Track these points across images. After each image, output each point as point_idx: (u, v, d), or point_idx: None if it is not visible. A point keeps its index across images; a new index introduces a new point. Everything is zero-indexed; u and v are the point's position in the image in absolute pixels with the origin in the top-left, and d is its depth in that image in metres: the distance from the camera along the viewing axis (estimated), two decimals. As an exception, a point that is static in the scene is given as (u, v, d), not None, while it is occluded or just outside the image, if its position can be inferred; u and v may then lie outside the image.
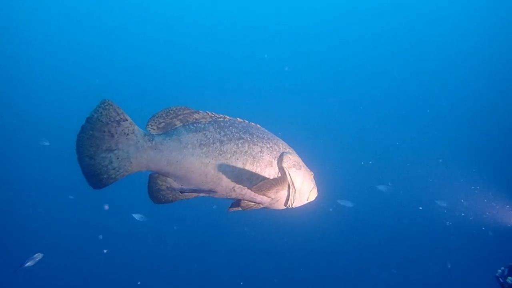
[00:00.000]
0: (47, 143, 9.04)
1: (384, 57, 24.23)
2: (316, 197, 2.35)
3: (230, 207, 2.35)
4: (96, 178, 2.02)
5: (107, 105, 2.03)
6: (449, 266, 12.38)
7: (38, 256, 5.92)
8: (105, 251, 12.85)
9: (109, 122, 2.02)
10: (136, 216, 10.56)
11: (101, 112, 2.02)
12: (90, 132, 1.99)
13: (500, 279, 3.15)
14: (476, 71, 22.63)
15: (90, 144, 1.99)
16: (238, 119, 2.29)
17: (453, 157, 16.62)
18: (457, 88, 22.55)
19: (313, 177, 2.38)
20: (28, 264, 5.89)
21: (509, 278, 3.11)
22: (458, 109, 21.59)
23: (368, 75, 23.47)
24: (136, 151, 2.06)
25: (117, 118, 2.05)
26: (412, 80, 23.33)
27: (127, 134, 2.06)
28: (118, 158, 2.03)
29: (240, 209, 2.28)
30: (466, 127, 20.85)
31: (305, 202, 2.32)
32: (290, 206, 2.27)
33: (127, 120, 2.07)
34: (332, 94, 22.19)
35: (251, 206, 2.24)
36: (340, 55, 24.44)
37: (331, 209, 12.32)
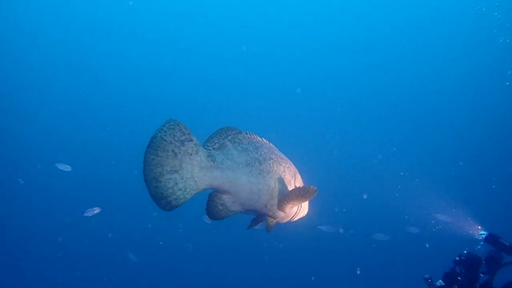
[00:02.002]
0: (68, 168, 9.13)
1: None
2: (307, 212, 2.56)
3: (250, 225, 2.48)
4: (164, 201, 2.05)
5: (172, 125, 2.07)
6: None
7: (97, 209, 6.41)
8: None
9: (173, 142, 2.05)
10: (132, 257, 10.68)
11: (165, 131, 2.05)
12: (155, 152, 2.02)
13: (429, 280, 3.29)
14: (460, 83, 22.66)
15: (156, 165, 2.02)
16: (264, 139, 2.40)
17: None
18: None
19: None
20: (87, 214, 6.48)
21: (439, 281, 3.25)
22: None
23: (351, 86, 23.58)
24: (200, 171, 2.10)
25: (182, 138, 2.08)
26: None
27: (191, 154, 2.09)
28: (182, 179, 2.07)
29: (257, 226, 2.44)
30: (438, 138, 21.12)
31: (302, 215, 2.50)
32: (293, 220, 2.44)
33: (192, 140, 2.10)
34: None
35: (273, 223, 2.35)
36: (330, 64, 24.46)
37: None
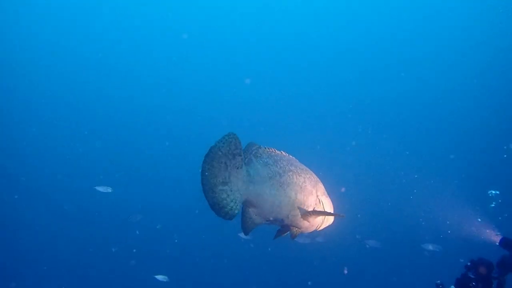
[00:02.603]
0: (108, 190, 9.28)
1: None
2: (333, 221, 2.57)
3: (276, 236, 2.53)
4: (222, 211, 2.17)
5: (230, 138, 2.16)
6: None
7: (109, 188, 6.71)
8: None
9: (227, 154, 2.16)
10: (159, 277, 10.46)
11: (223, 143, 2.15)
12: (211, 162, 2.14)
13: (440, 286, 3.32)
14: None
15: (211, 176, 2.14)
16: (282, 152, 2.46)
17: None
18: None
19: None
20: (100, 189, 6.77)
21: (451, 287, 3.27)
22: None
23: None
24: (243, 184, 2.22)
25: (235, 152, 2.18)
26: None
27: (237, 168, 2.20)
28: (232, 191, 2.19)
29: (283, 235, 2.47)
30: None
31: (328, 224, 2.52)
32: (318, 229, 2.47)
33: (241, 155, 2.20)
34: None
35: (297, 232, 2.41)
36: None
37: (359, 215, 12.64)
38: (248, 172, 2.24)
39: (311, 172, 2.50)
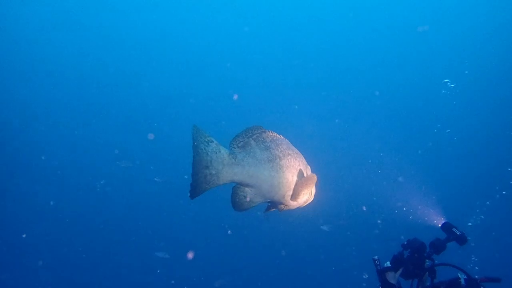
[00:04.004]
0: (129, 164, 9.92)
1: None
2: (312, 200, 2.82)
3: (266, 210, 2.79)
4: (193, 189, 2.43)
5: (195, 131, 2.45)
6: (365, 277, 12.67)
7: (129, 163, 7.09)
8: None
9: (202, 142, 2.44)
10: (160, 254, 11.00)
11: (193, 135, 2.45)
12: (196, 150, 2.44)
13: (376, 261, 3.40)
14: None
15: (197, 161, 2.44)
16: (281, 136, 2.66)
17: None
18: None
19: None
20: (121, 164, 7.17)
21: (387, 263, 3.37)
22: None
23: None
24: (223, 167, 2.44)
25: (207, 139, 2.45)
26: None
27: (216, 153, 2.44)
28: (210, 174, 2.43)
29: (272, 210, 2.75)
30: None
31: (309, 202, 2.75)
32: (301, 206, 2.70)
33: (213, 141, 2.45)
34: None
35: (284, 208, 2.66)
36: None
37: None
38: (233, 156, 2.45)
39: (302, 155, 2.70)
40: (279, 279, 15.31)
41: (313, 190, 2.75)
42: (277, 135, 2.61)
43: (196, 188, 2.41)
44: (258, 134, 2.55)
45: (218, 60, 25.07)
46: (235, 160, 2.44)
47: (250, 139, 2.52)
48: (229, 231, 15.49)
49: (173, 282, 14.34)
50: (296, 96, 22.39)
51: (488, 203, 14.29)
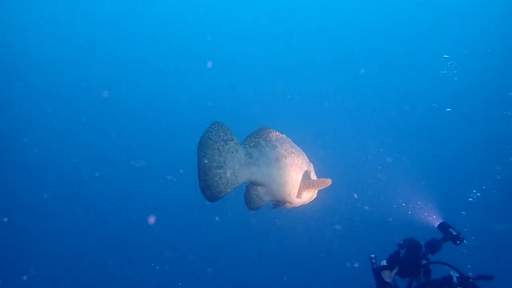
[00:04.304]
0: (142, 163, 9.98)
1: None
2: (316, 197, 2.88)
3: (273, 206, 2.82)
4: (209, 192, 2.33)
5: (217, 126, 2.35)
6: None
7: (143, 162, 7.03)
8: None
9: (218, 141, 2.33)
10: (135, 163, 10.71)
11: (211, 132, 2.33)
12: (204, 150, 2.32)
13: (373, 260, 3.46)
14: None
15: (205, 159, 2.32)
16: (284, 135, 2.69)
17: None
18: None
19: None
20: (135, 163, 7.10)
21: (383, 261, 3.43)
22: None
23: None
24: (240, 167, 2.38)
25: (225, 138, 2.35)
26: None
27: (232, 152, 2.37)
28: (225, 173, 2.35)
29: (277, 207, 2.78)
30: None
31: (312, 199, 2.80)
32: (305, 204, 2.74)
33: (233, 140, 2.38)
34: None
35: (290, 206, 2.69)
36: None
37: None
38: (250, 155, 2.42)
39: (304, 153, 2.74)
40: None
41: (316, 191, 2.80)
42: (280, 134, 2.66)
43: (208, 190, 2.32)
44: (266, 134, 2.59)
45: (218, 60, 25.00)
46: (251, 160, 2.42)
47: (260, 139, 2.56)
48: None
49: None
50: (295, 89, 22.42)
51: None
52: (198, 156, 2.32)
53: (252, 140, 2.57)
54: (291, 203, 2.64)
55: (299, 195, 2.55)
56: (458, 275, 3.21)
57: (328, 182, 2.51)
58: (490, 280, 3.17)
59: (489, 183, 16.04)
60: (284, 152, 2.51)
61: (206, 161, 2.30)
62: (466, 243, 3.44)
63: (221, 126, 2.35)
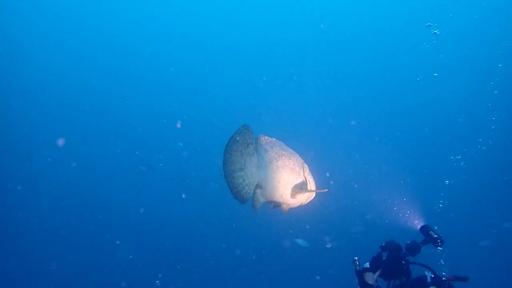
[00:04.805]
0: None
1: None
2: (314, 197, 2.96)
3: (272, 206, 2.88)
4: (239, 194, 2.48)
5: (244, 129, 2.49)
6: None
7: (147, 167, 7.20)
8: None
9: (242, 143, 2.47)
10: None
11: (239, 134, 2.47)
12: (230, 150, 2.46)
13: (356, 262, 3.56)
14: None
15: (230, 163, 2.46)
16: (274, 138, 2.78)
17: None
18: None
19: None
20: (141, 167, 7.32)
21: (366, 264, 3.54)
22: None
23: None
24: (256, 170, 2.55)
25: (248, 141, 2.49)
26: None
27: (251, 155, 2.52)
28: (247, 176, 2.50)
29: (276, 207, 2.83)
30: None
31: (310, 200, 2.86)
32: (303, 204, 2.80)
33: (253, 144, 2.53)
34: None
35: (287, 207, 2.75)
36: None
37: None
38: (257, 159, 2.58)
39: (297, 154, 2.82)
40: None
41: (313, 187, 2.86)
42: (270, 138, 2.75)
43: (240, 193, 2.46)
44: (257, 139, 2.70)
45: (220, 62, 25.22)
46: (260, 164, 2.57)
47: (257, 144, 2.67)
48: None
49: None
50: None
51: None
52: (224, 156, 2.45)
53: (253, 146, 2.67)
54: (288, 204, 2.71)
55: (293, 196, 2.64)
56: (432, 275, 3.32)
57: (322, 191, 2.64)
58: (465, 281, 3.29)
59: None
60: (274, 154, 2.61)
61: (231, 163, 2.43)
62: (440, 249, 3.55)
63: (248, 130, 2.49)
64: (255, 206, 2.65)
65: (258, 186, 2.61)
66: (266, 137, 2.76)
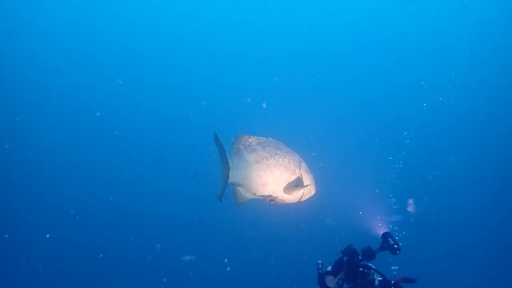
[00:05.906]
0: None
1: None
2: (314, 193, 3.18)
3: (269, 201, 3.10)
4: (218, 192, 2.87)
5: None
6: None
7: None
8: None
9: (223, 151, 2.86)
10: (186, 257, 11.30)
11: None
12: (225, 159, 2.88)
13: (319, 266, 3.71)
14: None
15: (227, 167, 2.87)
16: (269, 138, 3.01)
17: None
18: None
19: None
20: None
21: (329, 267, 3.69)
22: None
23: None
24: (230, 171, 2.85)
25: (223, 148, 2.87)
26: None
27: (227, 159, 2.87)
28: (228, 176, 2.86)
29: (272, 202, 3.06)
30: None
31: (309, 196, 3.07)
32: (302, 200, 3.01)
33: (225, 150, 2.89)
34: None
35: (281, 201, 2.99)
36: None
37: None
38: (231, 161, 2.86)
39: (295, 153, 3.02)
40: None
41: (313, 185, 3.10)
42: (263, 138, 2.96)
43: (222, 190, 2.85)
44: (244, 140, 2.92)
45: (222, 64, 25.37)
46: (233, 165, 2.86)
47: (240, 145, 2.90)
48: None
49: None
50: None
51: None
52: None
53: (235, 147, 2.95)
54: (282, 200, 2.94)
55: (288, 192, 2.84)
56: (380, 278, 3.48)
57: (315, 190, 2.95)
58: (413, 283, 3.49)
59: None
60: (266, 154, 2.83)
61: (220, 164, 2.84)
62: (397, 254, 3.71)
63: (219, 139, 2.84)
64: (237, 201, 2.92)
65: (238, 184, 2.87)
66: (257, 138, 2.97)
